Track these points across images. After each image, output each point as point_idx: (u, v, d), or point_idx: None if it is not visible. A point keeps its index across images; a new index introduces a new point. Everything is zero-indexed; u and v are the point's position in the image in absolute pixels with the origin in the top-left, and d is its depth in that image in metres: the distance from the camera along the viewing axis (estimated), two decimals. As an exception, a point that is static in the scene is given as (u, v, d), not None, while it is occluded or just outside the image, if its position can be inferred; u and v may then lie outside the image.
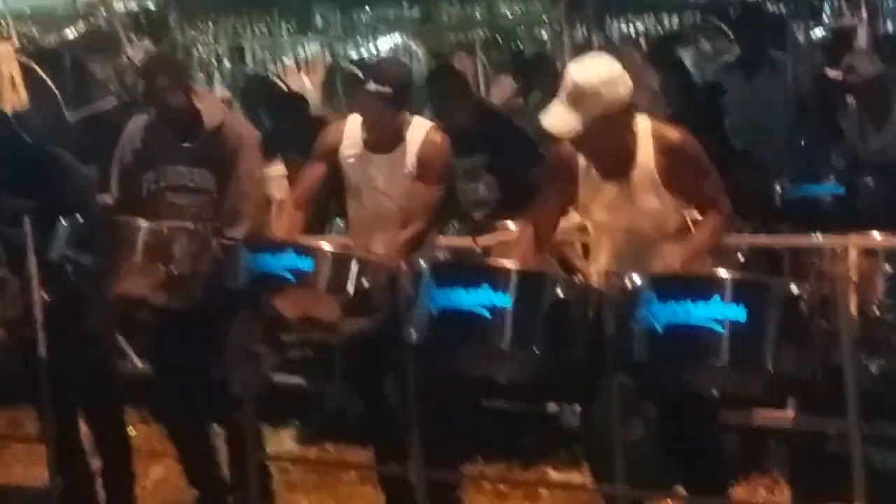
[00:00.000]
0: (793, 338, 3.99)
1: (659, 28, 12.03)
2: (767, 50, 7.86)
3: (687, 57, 9.66)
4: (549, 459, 5.93)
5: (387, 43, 12.24)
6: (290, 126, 7.74)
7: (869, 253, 5.11)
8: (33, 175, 5.31)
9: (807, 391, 5.07)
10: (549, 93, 4.79)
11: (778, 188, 6.52)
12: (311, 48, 12.62)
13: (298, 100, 8.75)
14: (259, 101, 9.46)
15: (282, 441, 6.43)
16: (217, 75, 11.83)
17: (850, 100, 6.90)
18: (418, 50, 11.99)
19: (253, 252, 4.74)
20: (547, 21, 10.91)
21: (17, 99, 7.32)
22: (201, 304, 5.05)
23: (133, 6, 9.63)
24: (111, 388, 5.59)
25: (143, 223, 5.06)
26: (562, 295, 4.21)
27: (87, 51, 8.93)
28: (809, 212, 6.30)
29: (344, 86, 10.27)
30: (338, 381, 6.49)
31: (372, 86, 5.00)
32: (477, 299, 4.17)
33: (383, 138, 5.09)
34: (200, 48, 12.07)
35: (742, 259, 5.54)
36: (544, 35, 11.53)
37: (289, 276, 4.59)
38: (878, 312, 5.04)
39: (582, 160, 4.58)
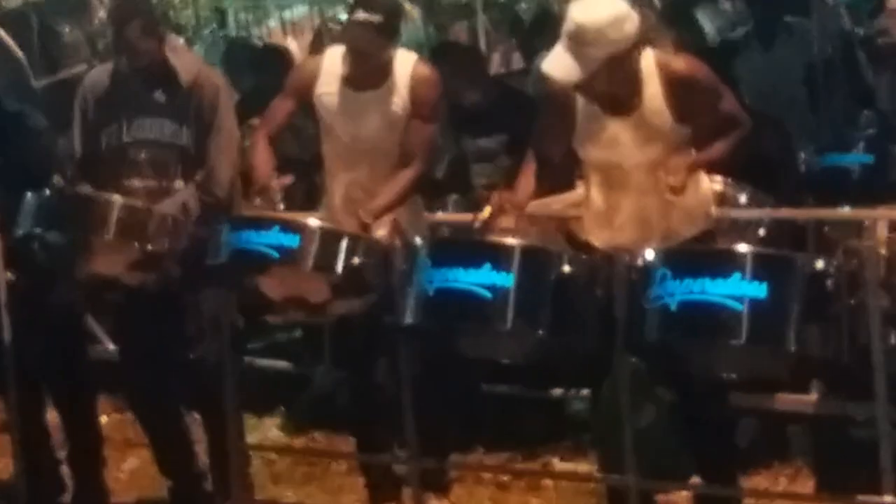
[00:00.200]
0: (817, 316, 3.98)
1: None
2: (782, 15, 7.80)
3: (704, 16, 9.61)
4: (554, 448, 5.92)
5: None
6: (273, 80, 7.65)
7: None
8: None
9: (832, 373, 5.07)
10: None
11: (802, 156, 6.49)
12: (298, 11, 12.58)
13: (280, 52, 8.64)
14: (242, 65, 9.40)
15: (266, 430, 6.42)
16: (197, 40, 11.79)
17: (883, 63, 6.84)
18: (414, 12, 11.94)
19: (235, 228, 4.72)
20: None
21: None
22: (176, 283, 5.03)
23: (107, -34, 9.57)
24: (81, 374, 5.58)
25: (118, 198, 5.03)
26: (568, 272, 4.19)
27: (55, 13, 8.89)
28: (836, 183, 6.27)
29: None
30: (327, 364, 6.47)
31: (361, 14, 4.96)
32: (477, 278, 4.15)
33: (369, 73, 5.04)
34: (178, 12, 12.04)
35: (763, 233, 5.52)
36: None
37: (273, 253, 4.57)
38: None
39: (581, 98, 4.57)
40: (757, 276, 3.94)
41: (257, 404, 6.29)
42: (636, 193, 4.56)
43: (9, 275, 5.21)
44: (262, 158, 5.04)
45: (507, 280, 4.14)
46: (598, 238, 4.65)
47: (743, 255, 4.04)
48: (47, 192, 5.15)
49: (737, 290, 3.92)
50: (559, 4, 9.05)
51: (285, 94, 5.21)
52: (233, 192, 5.23)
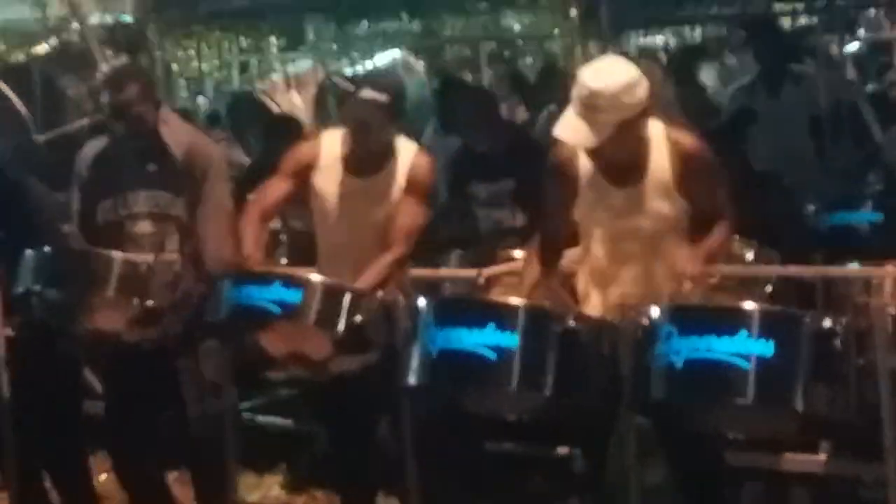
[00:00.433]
0: (825, 375, 3.96)
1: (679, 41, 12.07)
2: (788, 66, 7.83)
3: (710, 72, 9.66)
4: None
5: (385, 58, 12.27)
6: (283, 150, 7.69)
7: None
8: None
9: (840, 433, 5.04)
10: (561, 109, 4.79)
11: (809, 213, 6.50)
12: (302, 64, 12.66)
13: (291, 122, 8.72)
14: (246, 119, 9.45)
15: (268, 488, 6.39)
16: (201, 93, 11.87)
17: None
18: (418, 65, 12.04)
19: (236, 283, 4.72)
20: (558, 34, 10.93)
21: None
22: (176, 340, 5.03)
23: (108, 20, 9.62)
24: (78, 431, 5.56)
25: (118, 255, 5.04)
26: (573, 331, 4.19)
27: (58, 68, 8.92)
28: (844, 240, 6.27)
29: (337, 103, 10.27)
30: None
31: (368, 92, 4.99)
32: (481, 339, 4.13)
33: (369, 154, 5.05)
34: (182, 65, 12.11)
35: (770, 291, 5.51)
36: (555, 49, 11.55)
37: (275, 308, 4.57)
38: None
39: (586, 164, 4.58)
40: (764, 334, 3.92)
41: (258, 462, 6.26)
42: (640, 255, 4.57)
43: (8, 331, 5.20)
44: (249, 236, 4.99)
45: (511, 340, 4.13)
46: (598, 295, 4.66)
47: (749, 313, 4.02)
48: (46, 248, 5.16)
49: (743, 348, 3.90)
50: (564, 60, 9.10)
51: (282, 175, 5.16)
52: (223, 262, 5.17)
